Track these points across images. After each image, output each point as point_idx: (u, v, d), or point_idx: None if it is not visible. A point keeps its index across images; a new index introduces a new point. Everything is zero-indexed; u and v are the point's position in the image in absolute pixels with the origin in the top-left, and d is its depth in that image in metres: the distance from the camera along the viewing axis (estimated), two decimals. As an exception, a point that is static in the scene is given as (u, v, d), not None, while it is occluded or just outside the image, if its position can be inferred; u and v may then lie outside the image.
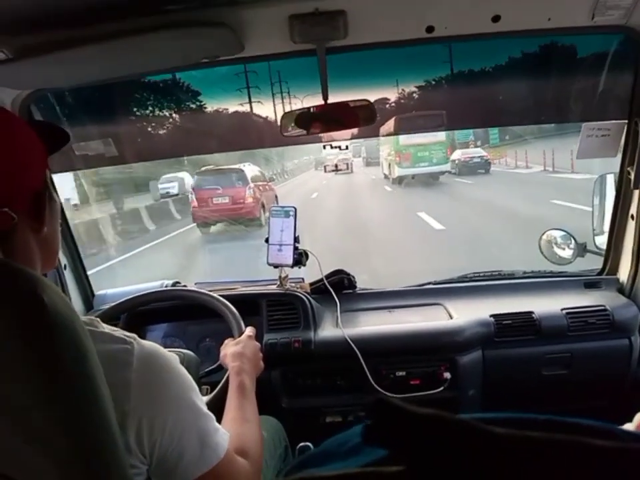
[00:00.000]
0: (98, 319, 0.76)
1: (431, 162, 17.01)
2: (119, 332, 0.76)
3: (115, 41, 1.12)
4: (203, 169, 11.36)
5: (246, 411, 1.13)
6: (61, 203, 1.80)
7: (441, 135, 16.42)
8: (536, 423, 0.42)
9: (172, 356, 0.82)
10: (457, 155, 18.65)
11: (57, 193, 0.86)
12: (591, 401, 1.63)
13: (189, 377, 0.84)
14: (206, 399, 1.27)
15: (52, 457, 0.59)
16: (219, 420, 1.07)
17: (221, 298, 1.56)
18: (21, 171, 0.73)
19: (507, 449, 0.36)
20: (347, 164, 25.18)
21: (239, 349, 1.32)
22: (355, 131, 1.80)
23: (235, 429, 1.04)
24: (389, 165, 18.64)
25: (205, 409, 0.85)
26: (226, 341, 1.41)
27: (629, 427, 0.81)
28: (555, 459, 0.36)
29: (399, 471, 0.37)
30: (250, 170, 10.95)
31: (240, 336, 1.42)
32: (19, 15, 1.08)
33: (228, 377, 1.26)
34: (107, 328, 0.76)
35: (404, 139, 16.58)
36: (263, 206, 10.17)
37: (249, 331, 1.43)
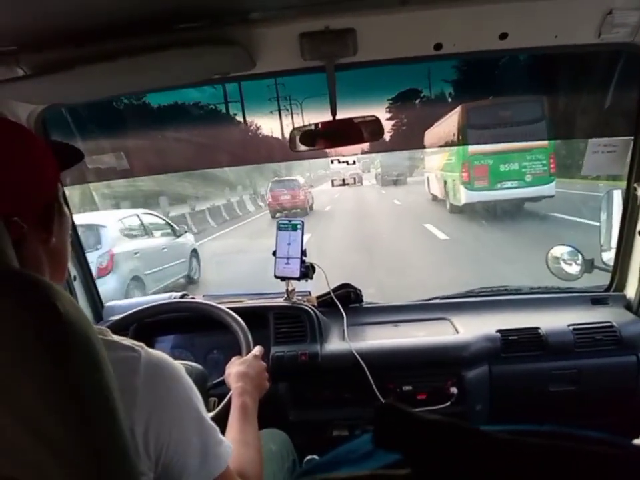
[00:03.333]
0: (107, 329, 0.77)
1: (522, 180, 10.23)
2: (127, 340, 0.77)
3: (129, 58, 1.15)
4: (275, 179, 17.65)
5: (247, 434, 1.12)
6: (71, 216, 1.83)
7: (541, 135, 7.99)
8: (538, 433, 0.43)
9: (179, 365, 0.83)
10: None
11: (67, 207, 0.88)
12: (599, 418, 1.62)
13: (195, 387, 0.85)
14: (208, 416, 1.27)
15: (65, 463, 0.60)
16: None
17: (229, 310, 1.57)
18: (32, 183, 0.75)
19: (510, 454, 0.37)
20: (355, 178, 25.14)
21: (243, 369, 1.31)
22: (365, 145, 1.81)
23: (235, 452, 1.01)
24: (446, 183, 12.19)
25: (209, 420, 0.85)
26: (232, 359, 1.40)
27: (638, 442, 0.81)
28: (556, 464, 0.36)
29: (407, 474, 0.38)
30: (302, 179, 18.00)
31: (247, 349, 1.42)
32: (35, 34, 1.11)
33: (230, 398, 1.25)
34: (116, 337, 0.77)
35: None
36: (307, 201, 16.90)
37: (257, 350, 1.41)
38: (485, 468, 0.37)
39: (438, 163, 13.20)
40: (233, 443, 1.05)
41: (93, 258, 5.52)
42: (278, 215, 15.09)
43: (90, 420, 0.61)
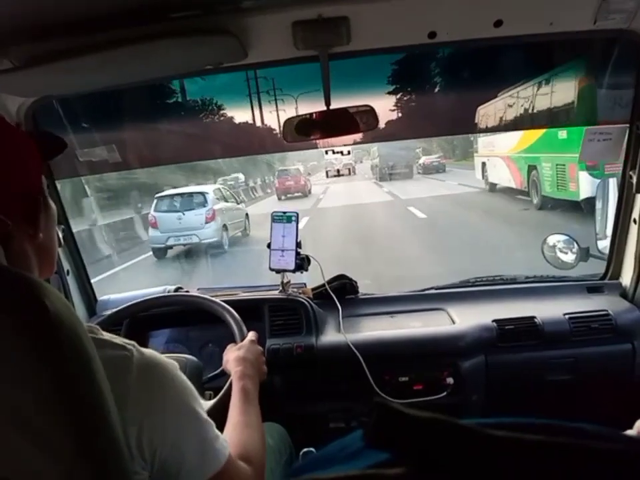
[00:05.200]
0: (97, 326, 0.76)
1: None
2: (118, 339, 0.76)
3: (120, 48, 1.13)
4: (280, 168, 21.20)
5: (249, 416, 1.12)
6: (62, 208, 1.81)
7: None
8: (534, 427, 0.42)
9: (171, 363, 0.82)
10: (422, 160, 23.16)
11: (59, 199, 0.87)
12: (595, 406, 1.62)
13: (189, 383, 0.84)
14: (209, 404, 1.27)
15: (57, 462, 0.59)
16: (223, 425, 1.07)
17: (222, 303, 1.56)
18: (15, 177, 0.73)
19: (505, 452, 0.36)
20: (349, 169, 25.12)
21: (241, 354, 1.32)
22: (360, 135, 1.80)
23: (237, 435, 1.03)
24: (534, 169, 9.28)
25: (205, 415, 0.84)
26: (228, 347, 1.41)
27: (630, 433, 0.81)
28: (552, 461, 0.36)
29: (399, 473, 0.37)
30: (302, 168, 21.56)
31: (242, 341, 1.42)
32: (25, 25, 1.09)
33: (231, 382, 1.25)
34: (106, 335, 0.75)
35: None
36: (307, 186, 20.42)
37: (251, 335, 1.43)
38: (481, 467, 0.36)
39: (513, 143, 10.28)
40: (236, 425, 1.07)
41: (202, 211, 10.17)
42: (283, 197, 19.62)
43: (80, 418, 0.61)
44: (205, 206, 10.33)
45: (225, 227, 10.42)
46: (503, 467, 0.36)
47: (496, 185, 12.06)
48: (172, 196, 10.99)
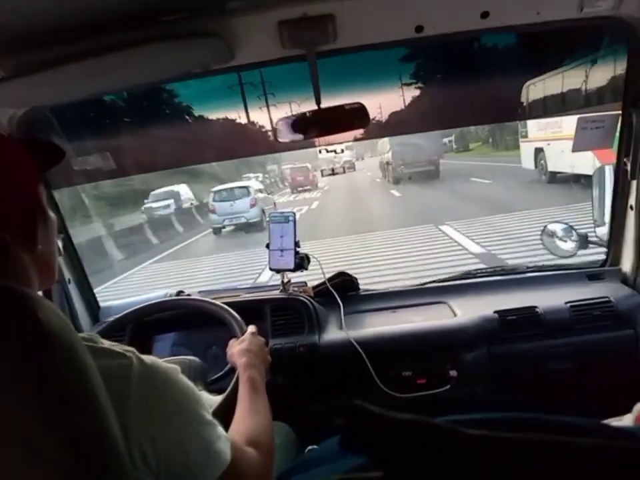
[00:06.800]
0: (97, 335, 0.76)
1: None
2: (118, 347, 0.75)
3: (108, 55, 1.14)
4: (291, 166, 26.65)
5: (256, 403, 1.15)
6: (61, 218, 1.81)
7: None
8: (520, 422, 0.42)
9: (172, 367, 0.81)
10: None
11: (57, 209, 0.87)
12: (598, 393, 1.62)
13: (191, 386, 0.83)
14: (219, 399, 1.29)
15: (54, 474, 0.59)
16: (231, 418, 1.08)
17: (220, 304, 1.57)
18: (10, 190, 0.72)
19: (482, 451, 0.36)
20: (344, 167, 25.85)
21: (244, 346, 1.35)
22: (358, 132, 1.79)
23: (245, 421, 1.06)
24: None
25: (207, 416, 0.84)
26: (230, 342, 1.43)
27: (629, 417, 0.81)
28: (531, 459, 0.36)
29: (378, 476, 0.37)
30: (310, 166, 26.32)
31: (243, 335, 1.43)
32: (11, 35, 1.09)
33: (238, 376, 1.27)
34: (106, 343, 0.75)
35: None
36: (315, 180, 25.21)
37: (251, 328, 1.45)
38: (458, 466, 0.37)
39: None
40: (244, 413, 1.10)
41: (247, 200, 14.70)
42: (295, 190, 24.81)
43: (77, 429, 0.60)
44: (248, 195, 14.90)
45: (262, 211, 14.52)
46: (480, 465, 0.36)
47: (556, 174, 10.55)
48: (223, 190, 15.68)
